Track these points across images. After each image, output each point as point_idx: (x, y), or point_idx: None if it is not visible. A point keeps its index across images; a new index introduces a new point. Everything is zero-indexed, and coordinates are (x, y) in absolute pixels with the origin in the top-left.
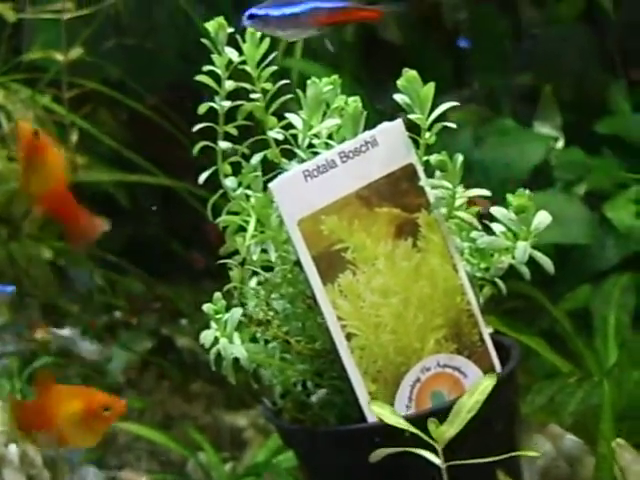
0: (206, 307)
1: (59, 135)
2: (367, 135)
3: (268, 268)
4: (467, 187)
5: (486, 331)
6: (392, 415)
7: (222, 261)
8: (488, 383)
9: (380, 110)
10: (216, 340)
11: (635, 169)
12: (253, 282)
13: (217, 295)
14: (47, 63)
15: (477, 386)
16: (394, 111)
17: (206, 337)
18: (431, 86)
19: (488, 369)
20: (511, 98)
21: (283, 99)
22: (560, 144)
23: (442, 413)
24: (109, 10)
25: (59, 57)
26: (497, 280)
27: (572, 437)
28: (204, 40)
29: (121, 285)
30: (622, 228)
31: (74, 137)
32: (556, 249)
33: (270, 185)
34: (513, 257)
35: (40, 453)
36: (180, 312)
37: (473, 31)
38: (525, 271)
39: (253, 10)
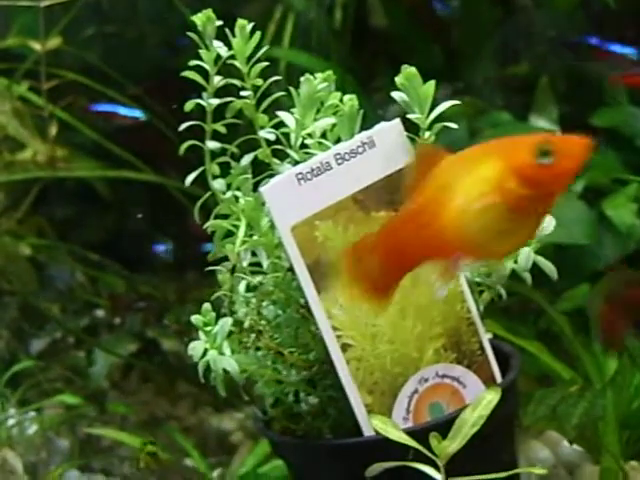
0: (195, 319)
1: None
2: (364, 136)
3: (258, 272)
4: None
5: (486, 339)
6: (394, 430)
7: (211, 268)
8: (492, 397)
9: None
10: (205, 352)
11: (632, 163)
12: (242, 286)
13: (206, 306)
14: (25, 52)
15: (480, 400)
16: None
17: (195, 349)
18: (431, 85)
19: (488, 379)
20: (505, 89)
21: (275, 96)
22: None
23: (444, 426)
24: None
25: (37, 46)
26: (497, 285)
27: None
28: (191, 33)
29: (103, 282)
30: (623, 227)
31: (53, 129)
32: (554, 248)
33: (262, 189)
34: (515, 262)
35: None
36: (165, 310)
37: (465, 19)
38: (527, 277)
39: None
